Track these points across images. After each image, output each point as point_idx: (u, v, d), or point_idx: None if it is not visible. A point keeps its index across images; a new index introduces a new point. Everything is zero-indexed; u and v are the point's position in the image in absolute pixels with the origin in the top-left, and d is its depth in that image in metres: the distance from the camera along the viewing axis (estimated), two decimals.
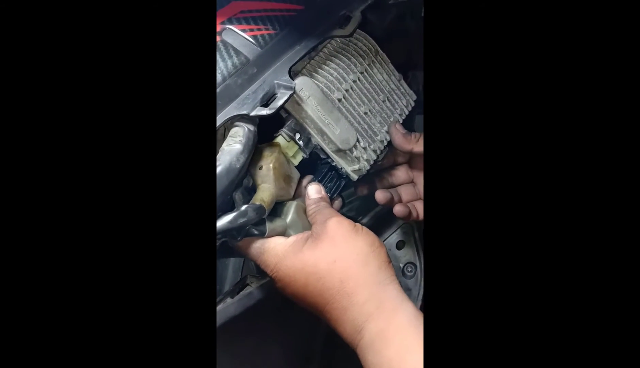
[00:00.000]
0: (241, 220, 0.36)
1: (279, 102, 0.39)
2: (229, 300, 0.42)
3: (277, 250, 0.39)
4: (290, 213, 0.44)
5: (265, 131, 0.46)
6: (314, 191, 0.45)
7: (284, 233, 0.43)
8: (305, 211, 0.45)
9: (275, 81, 0.41)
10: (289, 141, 0.45)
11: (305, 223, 0.44)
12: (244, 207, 0.37)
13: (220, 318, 0.40)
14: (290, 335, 0.56)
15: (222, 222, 0.36)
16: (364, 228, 0.40)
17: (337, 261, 0.37)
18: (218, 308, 0.41)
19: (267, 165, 0.41)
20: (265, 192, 0.40)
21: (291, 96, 0.40)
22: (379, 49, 0.51)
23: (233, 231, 0.36)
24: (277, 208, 0.43)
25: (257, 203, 0.38)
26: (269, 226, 0.40)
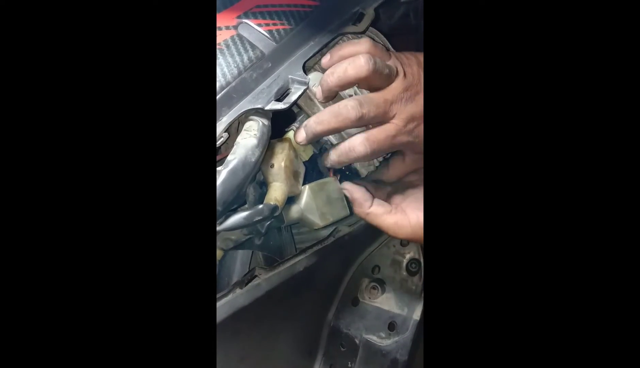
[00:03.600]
0: (257, 218, 0.37)
1: (293, 97, 0.40)
2: (238, 291, 0.43)
3: None
4: (304, 197, 0.45)
5: (276, 126, 0.47)
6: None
7: (300, 219, 0.45)
8: (318, 191, 0.46)
9: (290, 76, 0.41)
10: None
11: (319, 204, 0.46)
12: (260, 206, 0.38)
13: (229, 309, 0.41)
14: (296, 327, 0.56)
15: (238, 218, 0.37)
16: (404, 219, 0.44)
17: None
18: (227, 298, 0.42)
19: (279, 163, 0.42)
20: (278, 191, 0.41)
21: (305, 90, 0.40)
22: (389, 46, 0.51)
23: (257, 226, 0.38)
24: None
25: (272, 203, 0.39)
26: (285, 216, 0.41)
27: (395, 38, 0.53)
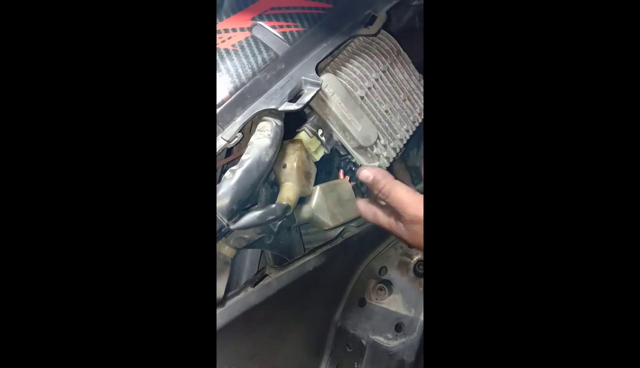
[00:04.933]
0: (270, 217, 0.38)
1: (306, 98, 0.40)
2: (249, 289, 0.43)
3: (384, 226, 0.45)
4: (315, 198, 0.46)
5: (287, 127, 0.47)
6: (363, 176, 0.46)
7: (311, 219, 0.45)
8: (329, 192, 0.46)
9: (303, 77, 0.41)
10: (311, 137, 0.46)
11: (330, 205, 0.46)
12: (272, 206, 0.38)
13: (241, 307, 0.41)
14: (304, 327, 0.57)
15: (251, 217, 0.37)
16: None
17: None
18: (238, 297, 0.43)
19: (291, 164, 0.42)
20: (290, 191, 0.41)
21: (318, 92, 0.41)
22: (400, 49, 0.52)
23: (269, 226, 0.38)
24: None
25: (284, 203, 0.40)
26: (297, 216, 0.41)
27: (404, 40, 0.53)
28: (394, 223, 0.44)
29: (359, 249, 0.59)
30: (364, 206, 0.48)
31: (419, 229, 0.42)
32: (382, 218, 0.46)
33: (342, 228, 0.54)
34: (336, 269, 0.57)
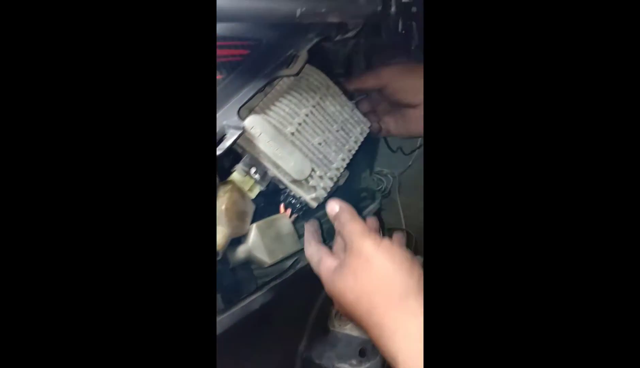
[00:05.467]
0: None
1: (227, 143, 0.41)
2: None
3: (322, 276, 0.44)
4: (251, 236, 0.46)
5: (226, 168, 0.48)
6: (329, 208, 0.47)
7: (249, 257, 0.46)
8: (266, 229, 0.47)
9: (224, 122, 0.43)
10: (244, 176, 0.47)
11: (267, 242, 0.47)
12: None
13: None
14: (266, 362, 0.57)
15: None
16: (391, 248, 0.40)
17: (361, 295, 0.38)
18: None
19: (219, 207, 0.43)
20: (219, 235, 0.42)
21: (240, 135, 0.42)
22: (330, 82, 0.53)
23: None
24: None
25: None
26: (231, 258, 0.42)
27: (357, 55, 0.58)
28: (331, 272, 0.43)
29: (314, 277, 0.60)
30: (313, 250, 0.47)
31: (358, 264, 0.40)
32: (324, 267, 0.44)
33: (294, 259, 0.54)
34: (292, 301, 0.58)
